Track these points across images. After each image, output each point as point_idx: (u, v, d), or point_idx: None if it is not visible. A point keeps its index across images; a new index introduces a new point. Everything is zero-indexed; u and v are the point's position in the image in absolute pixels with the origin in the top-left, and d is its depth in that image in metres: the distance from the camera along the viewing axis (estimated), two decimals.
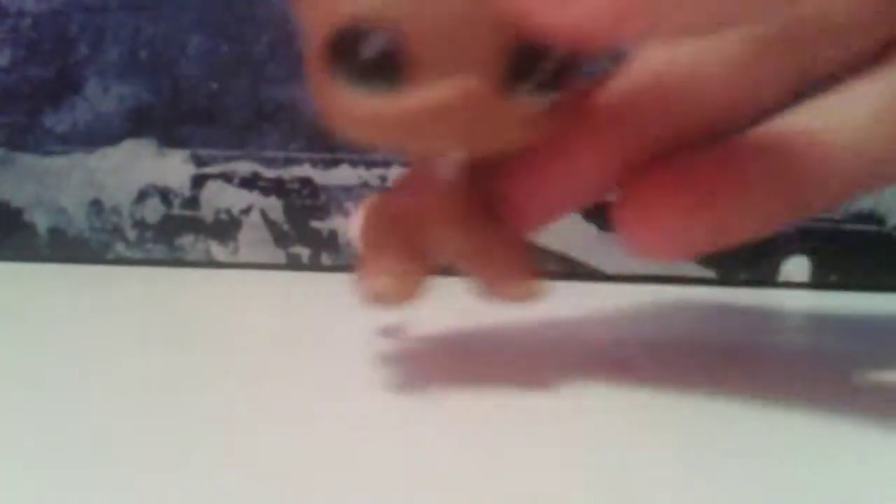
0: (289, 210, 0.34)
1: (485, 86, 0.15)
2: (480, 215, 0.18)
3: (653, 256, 0.18)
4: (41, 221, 0.36)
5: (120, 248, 0.35)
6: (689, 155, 0.18)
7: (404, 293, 0.18)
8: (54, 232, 0.35)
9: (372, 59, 0.15)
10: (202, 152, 0.35)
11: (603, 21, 0.14)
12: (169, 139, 0.35)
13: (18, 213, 0.36)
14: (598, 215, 0.32)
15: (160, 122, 0.35)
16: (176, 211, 0.35)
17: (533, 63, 0.16)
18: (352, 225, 0.20)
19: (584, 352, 0.21)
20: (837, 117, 0.17)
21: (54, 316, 0.26)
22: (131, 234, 0.35)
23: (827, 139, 0.17)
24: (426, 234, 0.18)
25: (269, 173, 0.34)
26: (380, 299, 0.18)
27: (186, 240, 0.35)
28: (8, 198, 0.36)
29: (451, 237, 0.18)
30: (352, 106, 0.16)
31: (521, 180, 0.19)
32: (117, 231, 0.35)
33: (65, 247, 0.35)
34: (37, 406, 0.18)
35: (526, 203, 0.19)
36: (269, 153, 0.34)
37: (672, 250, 0.18)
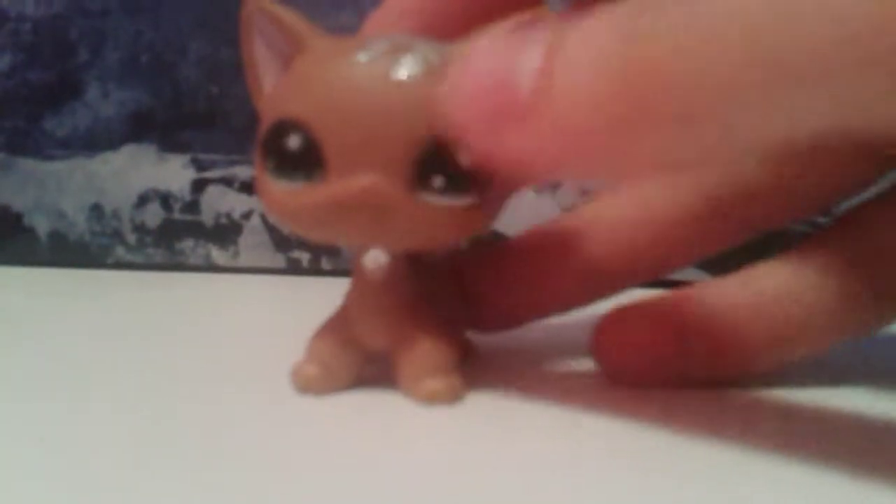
0: None
1: (388, 184, 0.16)
2: (409, 309, 0.18)
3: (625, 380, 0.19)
4: (41, 225, 0.36)
5: (120, 252, 0.35)
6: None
7: (329, 384, 0.18)
8: (55, 236, 0.36)
9: (290, 154, 0.16)
10: (202, 157, 0.35)
11: (535, 159, 0.15)
12: (169, 143, 0.35)
13: (19, 217, 0.36)
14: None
15: (160, 127, 0.35)
16: (176, 215, 0.35)
17: (442, 165, 0.16)
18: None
19: (575, 352, 0.21)
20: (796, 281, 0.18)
21: (55, 320, 0.26)
22: (131, 238, 0.35)
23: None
24: (357, 326, 0.18)
25: None
26: (304, 386, 0.18)
27: (187, 244, 0.35)
28: (8, 202, 0.36)
29: (376, 330, 0.18)
30: (275, 195, 0.17)
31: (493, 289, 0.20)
32: (118, 235, 0.35)
33: (65, 251, 0.35)
34: (37, 409, 0.18)
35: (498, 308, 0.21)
36: None
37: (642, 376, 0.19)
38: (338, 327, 0.19)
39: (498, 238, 0.23)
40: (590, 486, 0.14)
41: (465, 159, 0.16)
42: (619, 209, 0.20)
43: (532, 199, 0.32)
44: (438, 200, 0.16)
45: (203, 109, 0.34)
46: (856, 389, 0.19)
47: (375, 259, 0.18)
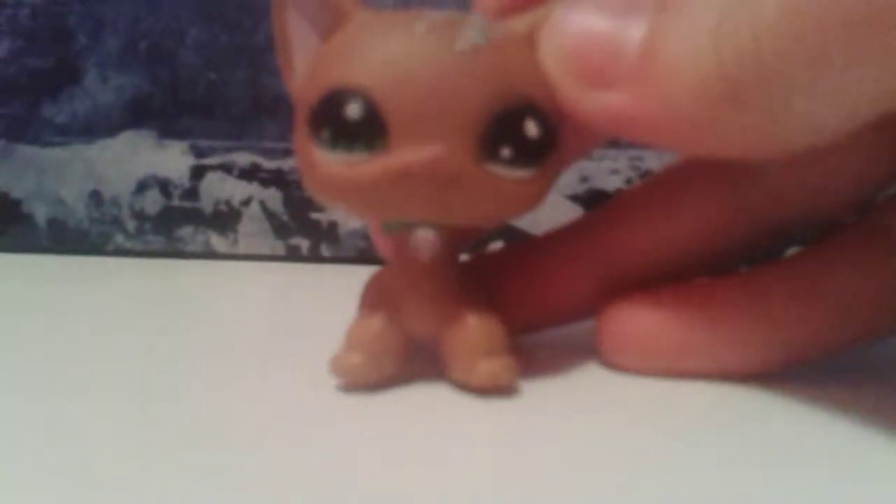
0: (288, 201, 0.34)
1: (456, 154, 0.16)
2: (457, 296, 0.18)
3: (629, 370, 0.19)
4: (40, 213, 0.36)
5: (119, 239, 0.35)
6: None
7: (374, 373, 0.18)
8: (54, 223, 0.35)
9: (350, 123, 0.16)
10: (201, 143, 0.34)
11: (629, 121, 0.16)
12: (168, 130, 0.35)
13: (18, 204, 0.36)
14: (586, 198, 0.32)
15: (159, 113, 0.35)
16: (175, 202, 0.35)
17: (509, 136, 0.16)
18: None
19: (575, 343, 0.21)
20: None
21: (54, 307, 0.26)
22: (131, 225, 0.35)
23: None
24: (404, 310, 0.18)
25: (269, 164, 0.34)
26: (348, 376, 0.18)
27: (186, 231, 0.35)
28: (7, 189, 0.35)
29: (424, 315, 0.18)
30: (329, 168, 0.16)
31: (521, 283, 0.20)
32: (117, 222, 0.35)
33: (64, 238, 0.35)
34: (37, 397, 0.18)
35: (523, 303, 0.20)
36: (269, 144, 0.34)
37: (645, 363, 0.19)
38: (380, 312, 0.18)
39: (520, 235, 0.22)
40: (587, 477, 0.14)
41: (532, 130, 0.16)
42: (644, 211, 0.20)
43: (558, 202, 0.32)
44: (506, 172, 0.16)
45: (202, 96, 0.34)
46: (859, 385, 0.19)
47: (426, 239, 0.17)
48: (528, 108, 0.16)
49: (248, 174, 0.34)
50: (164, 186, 0.35)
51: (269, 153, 0.34)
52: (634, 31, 0.15)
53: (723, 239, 0.19)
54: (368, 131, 0.16)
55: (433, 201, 0.16)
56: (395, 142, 0.16)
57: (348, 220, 0.34)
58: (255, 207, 0.34)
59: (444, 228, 0.17)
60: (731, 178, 0.19)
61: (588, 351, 0.20)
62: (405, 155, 0.16)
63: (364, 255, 0.33)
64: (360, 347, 0.18)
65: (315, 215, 0.34)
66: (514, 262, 0.21)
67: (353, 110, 0.16)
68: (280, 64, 0.18)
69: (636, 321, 0.19)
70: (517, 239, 0.32)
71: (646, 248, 0.19)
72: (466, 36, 0.16)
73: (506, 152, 0.16)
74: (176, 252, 0.35)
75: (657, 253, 0.19)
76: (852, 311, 0.18)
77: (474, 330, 0.18)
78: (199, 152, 0.34)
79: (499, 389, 0.17)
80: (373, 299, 0.18)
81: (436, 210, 0.17)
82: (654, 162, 0.32)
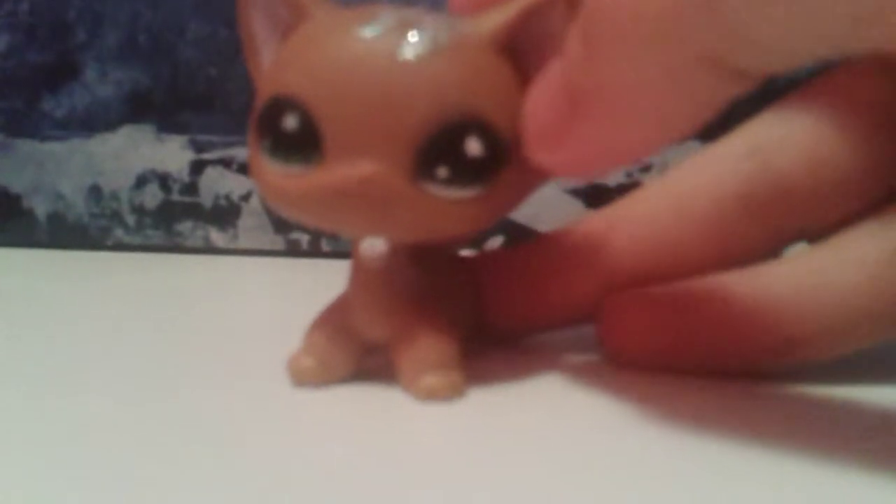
0: None
1: (389, 173, 0.15)
2: (410, 304, 0.17)
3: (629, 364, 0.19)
4: (40, 207, 0.36)
5: (119, 233, 0.35)
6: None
7: (324, 376, 0.18)
8: (53, 218, 0.35)
9: (286, 135, 0.15)
10: (201, 138, 0.34)
11: (579, 164, 0.16)
12: (168, 125, 0.35)
13: (17, 198, 0.36)
14: (585, 192, 0.32)
15: (159, 108, 0.35)
16: (175, 197, 0.35)
17: (447, 155, 0.15)
18: None
19: (575, 341, 0.21)
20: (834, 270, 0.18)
21: (53, 302, 0.26)
22: (130, 219, 0.35)
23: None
24: (355, 317, 0.17)
25: None
26: (299, 378, 0.18)
27: (185, 226, 0.35)
28: (7, 184, 0.35)
29: (374, 322, 0.17)
30: (269, 177, 0.16)
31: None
32: (116, 217, 0.35)
33: (64, 232, 0.35)
34: (36, 391, 0.18)
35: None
36: None
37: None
38: (335, 317, 0.18)
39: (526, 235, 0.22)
40: (592, 479, 0.14)
41: (474, 148, 0.15)
42: (648, 213, 0.20)
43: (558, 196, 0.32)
44: (443, 192, 0.15)
45: (201, 90, 0.34)
46: (860, 384, 0.19)
47: (373, 247, 0.17)
48: (470, 124, 0.15)
49: (248, 169, 0.34)
50: (164, 181, 0.35)
51: None
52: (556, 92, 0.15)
53: (733, 246, 0.19)
54: (304, 144, 0.15)
55: (367, 219, 0.16)
56: (330, 155, 0.15)
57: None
58: (254, 202, 0.34)
59: (396, 240, 0.17)
60: (742, 181, 0.19)
61: (588, 349, 0.20)
62: (337, 172, 0.15)
63: None
64: (313, 351, 0.18)
65: None
66: (515, 264, 0.20)
67: (289, 122, 0.15)
68: (247, 63, 0.17)
69: (636, 319, 0.19)
70: (517, 233, 0.32)
71: (649, 257, 0.19)
72: (414, 43, 0.15)
73: (442, 172, 0.15)
74: (175, 247, 0.35)
75: (661, 262, 0.19)
76: (856, 309, 0.18)
77: (421, 343, 0.17)
78: (198, 147, 0.34)
79: (437, 401, 0.17)
80: (334, 302, 0.18)
81: (371, 227, 0.16)
82: (654, 156, 0.32)
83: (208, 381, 0.18)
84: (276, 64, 0.16)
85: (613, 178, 0.32)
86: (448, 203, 0.16)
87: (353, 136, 0.15)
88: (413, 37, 0.15)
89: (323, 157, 0.15)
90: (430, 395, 0.17)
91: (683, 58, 0.13)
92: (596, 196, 0.32)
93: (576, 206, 0.32)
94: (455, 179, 0.15)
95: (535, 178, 0.17)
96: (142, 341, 0.22)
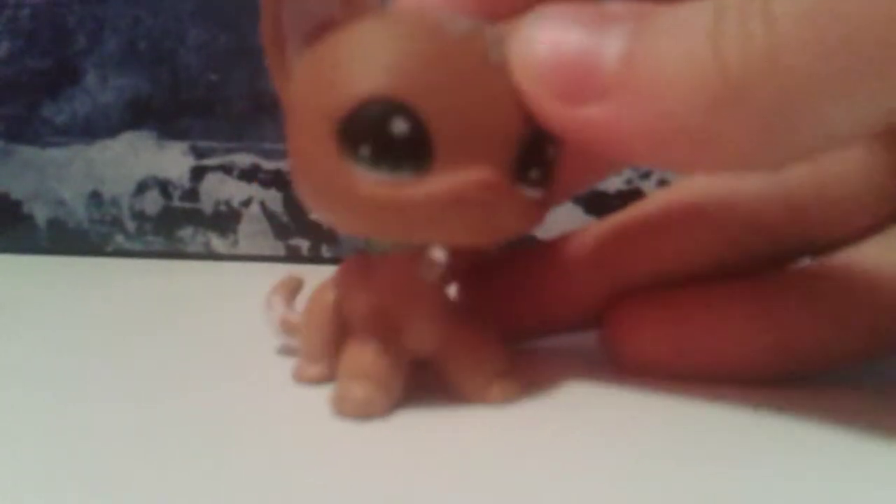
0: (288, 202, 0.34)
1: (499, 176, 0.15)
2: (458, 314, 0.17)
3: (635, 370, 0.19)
4: (41, 213, 0.36)
5: (119, 239, 0.35)
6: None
7: (386, 401, 0.16)
8: (54, 224, 0.35)
9: (395, 141, 0.14)
10: (201, 144, 0.34)
11: (600, 130, 0.15)
12: (168, 131, 0.35)
13: (18, 204, 0.36)
14: (585, 199, 0.32)
15: (159, 114, 0.35)
16: (175, 203, 0.35)
17: (537, 157, 0.15)
18: (274, 308, 0.21)
19: (578, 345, 0.21)
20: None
21: (54, 308, 0.26)
22: (131, 225, 0.35)
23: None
24: (406, 330, 0.17)
25: (269, 165, 0.34)
26: (358, 411, 0.16)
27: (186, 232, 0.35)
28: (7, 189, 0.36)
29: (430, 333, 0.17)
30: (365, 188, 0.15)
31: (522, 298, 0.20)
32: (117, 223, 0.35)
33: (64, 238, 0.35)
34: (36, 398, 0.18)
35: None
36: (269, 145, 0.34)
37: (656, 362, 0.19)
38: (378, 336, 0.17)
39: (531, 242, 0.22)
40: (593, 483, 0.14)
41: (552, 151, 0.15)
42: (653, 221, 0.20)
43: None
44: (531, 193, 0.16)
45: (202, 96, 0.34)
46: (860, 385, 0.19)
47: (438, 259, 0.16)
48: (546, 128, 0.15)
49: (249, 175, 0.34)
50: (164, 187, 0.35)
51: (269, 154, 0.34)
52: (613, 41, 0.14)
53: (738, 257, 0.19)
54: (416, 151, 0.14)
55: (480, 224, 0.15)
56: (440, 161, 0.14)
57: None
58: (255, 208, 0.34)
59: (454, 249, 0.16)
60: (750, 197, 0.19)
61: (591, 352, 0.20)
62: (452, 179, 0.14)
63: None
64: (365, 377, 0.16)
65: (315, 216, 0.34)
66: (520, 270, 0.20)
67: (399, 126, 0.14)
68: (270, 63, 0.16)
69: (640, 324, 0.19)
70: (517, 238, 0.32)
71: (654, 266, 0.19)
72: (496, 46, 0.15)
73: (534, 174, 0.15)
74: (176, 253, 0.35)
75: (666, 271, 0.19)
76: (856, 317, 0.18)
77: (482, 350, 0.17)
78: (199, 153, 0.34)
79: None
80: (365, 323, 0.17)
81: (480, 233, 0.15)
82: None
83: (209, 387, 0.18)
84: (341, 62, 0.15)
85: (613, 185, 0.32)
86: (531, 204, 0.16)
87: (465, 140, 0.15)
88: (493, 39, 0.15)
89: (433, 164, 0.14)
90: (507, 400, 0.17)
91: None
92: (596, 203, 0.32)
93: (576, 213, 0.32)
94: (543, 180, 0.16)
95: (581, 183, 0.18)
96: (142, 347, 0.22)
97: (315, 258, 0.34)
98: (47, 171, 0.35)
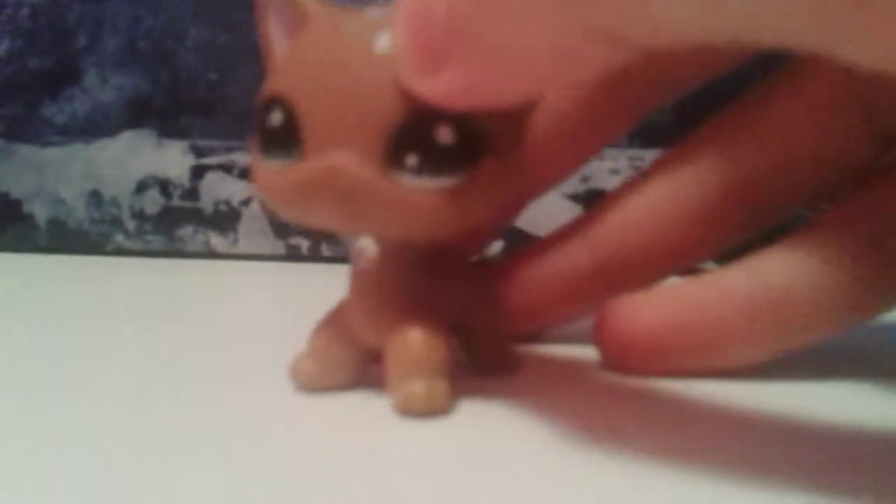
0: None
1: (360, 162, 0.15)
2: (402, 309, 0.17)
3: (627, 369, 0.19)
4: (40, 212, 0.36)
5: (119, 239, 0.35)
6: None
7: (326, 380, 0.18)
8: (54, 223, 0.35)
9: (271, 131, 0.16)
10: (202, 143, 0.34)
11: (459, 91, 0.14)
12: (168, 130, 0.35)
13: (18, 204, 0.36)
14: (585, 197, 0.32)
15: (159, 113, 0.35)
16: (175, 202, 0.35)
17: (417, 143, 0.15)
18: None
19: (574, 343, 0.21)
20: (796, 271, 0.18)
21: (54, 307, 0.26)
22: (131, 225, 0.35)
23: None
24: (351, 320, 0.17)
25: None
26: (301, 382, 0.18)
27: (186, 231, 0.35)
28: (7, 189, 0.36)
29: (367, 326, 0.17)
30: (260, 175, 0.16)
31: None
32: (117, 222, 0.35)
33: (64, 238, 0.35)
34: (36, 396, 0.18)
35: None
36: None
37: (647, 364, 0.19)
38: (337, 322, 0.18)
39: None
40: (589, 484, 0.14)
41: (446, 136, 0.15)
42: (626, 210, 0.20)
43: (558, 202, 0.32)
44: (415, 182, 0.15)
45: (202, 96, 0.34)
46: (861, 383, 0.19)
47: (364, 248, 0.17)
48: (442, 113, 0.15)
49: (248, 174, 0.34)
50: (164, 186, 0.35)
51: None
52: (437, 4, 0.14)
53: (702, 226, 0.19)
54: (285, 139, 0.16)
55: (340, 212, 0.16)
56: (309, 150, 0.15)
57: None
58: (255, 207, 0.34)
59: (383, 239, 0.17)
60: (735, 162, 0.19)
61: (587, 351, 0.20)
62: (307, 165, 0.15)
63: None
64: (315, 354, 0.18)
65: None
66: (513, 264, 0.21)
67: (274, 118, 0.16)
68: (268, 67, 0.17)
69: (635, 320, 0.19)
70: (518, 239, 0.32)
71: (639, 222, 0.20)
72: (388, 35, 0.15)
73: (412, 160, 0.15)
74: (176, 252, 0.35)
75: (651, 230, 0.19)
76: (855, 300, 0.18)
77: (408, 347, 0.17)
78: (198, 152, 0.34)
79: (414, 415, 0.16)
80: (336, 307, 0.18)
81: (345, 221, 0.16)
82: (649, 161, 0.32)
83: (209, 386, 0.18)
84: (274, 67, 0.17)
85: (612, 184, 0.32)
86: (422, 195, 0.15)
87: (328, 127, 0.15)
88: (389, 29, 0.15)
89: (303, 152, 0.15)
90: (408, 405, 0.16)
91: (573, 28, 0.12)
92: (595, 202, 0.32)
93: (575, 212, 0.32)
94: (425, 167, 0.15)
95: (519, 174, 0.17)
96: (142, 346, 0.22)
97: (315, 257, 0.34)
98: (47, 171, 0.35)
